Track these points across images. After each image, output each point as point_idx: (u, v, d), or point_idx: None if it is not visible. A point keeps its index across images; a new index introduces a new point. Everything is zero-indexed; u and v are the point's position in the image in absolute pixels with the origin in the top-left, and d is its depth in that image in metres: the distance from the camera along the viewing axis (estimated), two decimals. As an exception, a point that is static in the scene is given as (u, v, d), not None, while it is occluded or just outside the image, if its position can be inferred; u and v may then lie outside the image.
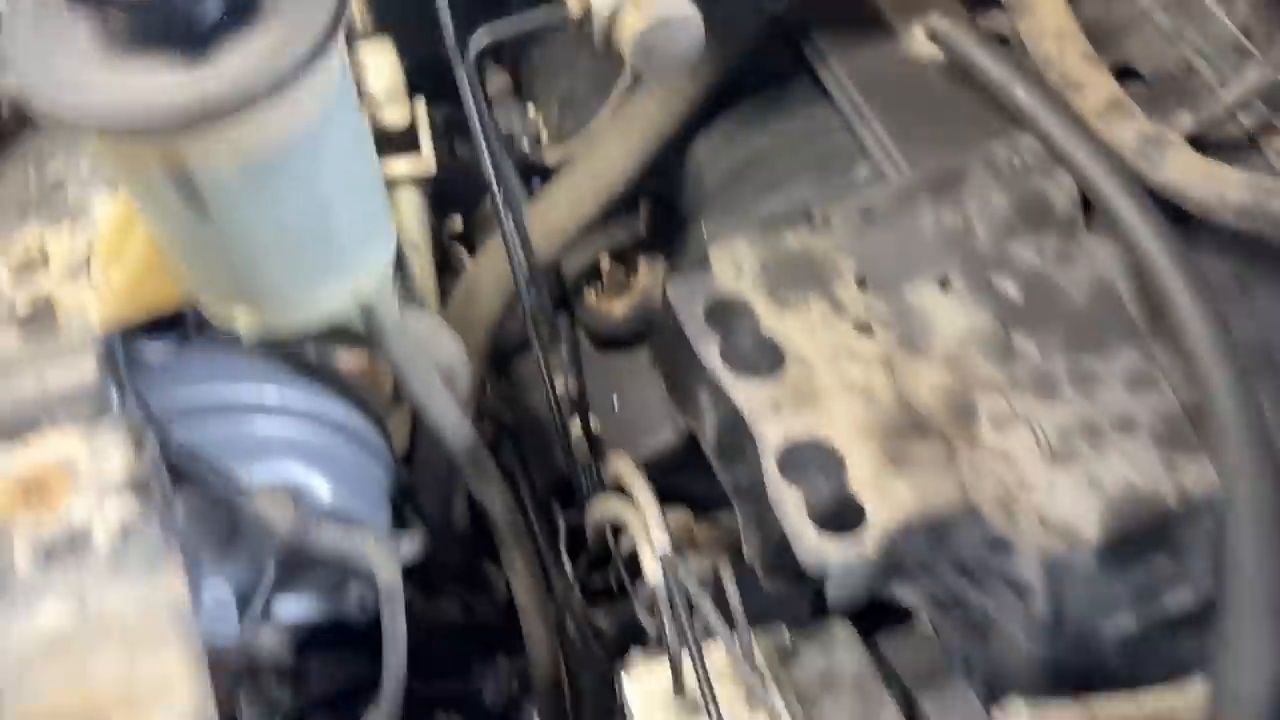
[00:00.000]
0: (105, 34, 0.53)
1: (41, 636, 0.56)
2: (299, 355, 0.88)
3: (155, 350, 0.80)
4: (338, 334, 0.82)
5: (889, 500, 0.75)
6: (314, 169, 0.59)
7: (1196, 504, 0.82)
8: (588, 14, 0.79)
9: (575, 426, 1.06)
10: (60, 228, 0.73)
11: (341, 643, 1.03)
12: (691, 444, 1.02)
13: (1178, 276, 0.81)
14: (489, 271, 1.06)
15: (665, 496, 0.97)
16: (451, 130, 1.28)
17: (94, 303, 0.69)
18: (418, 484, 1.04)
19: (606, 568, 1.10)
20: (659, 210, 1.18)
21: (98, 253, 0.70)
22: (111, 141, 0.55)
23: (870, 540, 0.73)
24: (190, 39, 0.53)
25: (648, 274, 1.12)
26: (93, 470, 0.62)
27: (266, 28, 0.54)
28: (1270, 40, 0.89)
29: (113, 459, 0.62)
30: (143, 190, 0.59)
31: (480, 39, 0.83)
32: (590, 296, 1.13)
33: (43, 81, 0.52)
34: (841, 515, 0.75)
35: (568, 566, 1.04)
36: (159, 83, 0.52)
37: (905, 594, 0.86)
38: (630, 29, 0.77)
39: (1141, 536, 0.81)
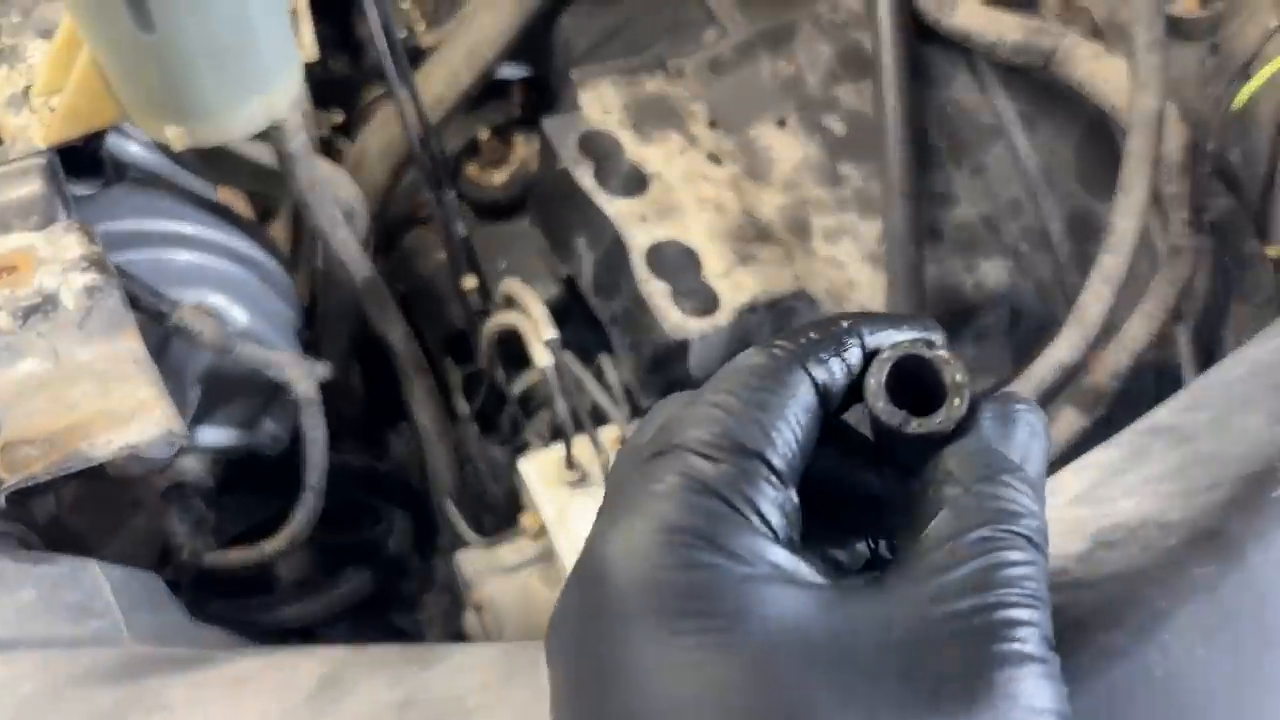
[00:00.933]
0: None
1: (24, 379, 0.65)
2: (209, 198, 0.97)
3: (80, 189, 0.88)
4: (248, 171, 0.92)
5: (739, 288, 0.89)
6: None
7: (991, 296, 0.99)
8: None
9: (467, 281, 1.16)
10: (-3, 68, 0.81)
11: (254, 489, 1.13)
12: (571, 295, 1.14)
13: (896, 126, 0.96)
14: (376, 141, 1.16)
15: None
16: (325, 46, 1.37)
17: (36, 126, 0.78)
18: (320, 336, 1.14)
19: (500, 418, 1.21)
20: (531, 91, 1.30)
21: (38, 85, 0.78)
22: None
23: (723, 316, 0.87)
24: None
25: (524, 146, 1.24)
26: (53, 253, 0.71)
27: None
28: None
29: (70, 245, 0.72)
30: (92, 7, 0.68)
31: None
32: (471, 169, 1.24)
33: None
34: (700, 304, 0.89)
35: (463, 405, 1.15)
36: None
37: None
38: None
39: (947, 324, 0.97)
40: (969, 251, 0.99)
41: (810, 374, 0.36)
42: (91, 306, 0.68)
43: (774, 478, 0.34)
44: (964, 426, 0.36)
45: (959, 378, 0.35)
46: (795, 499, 0.35)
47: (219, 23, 0.70)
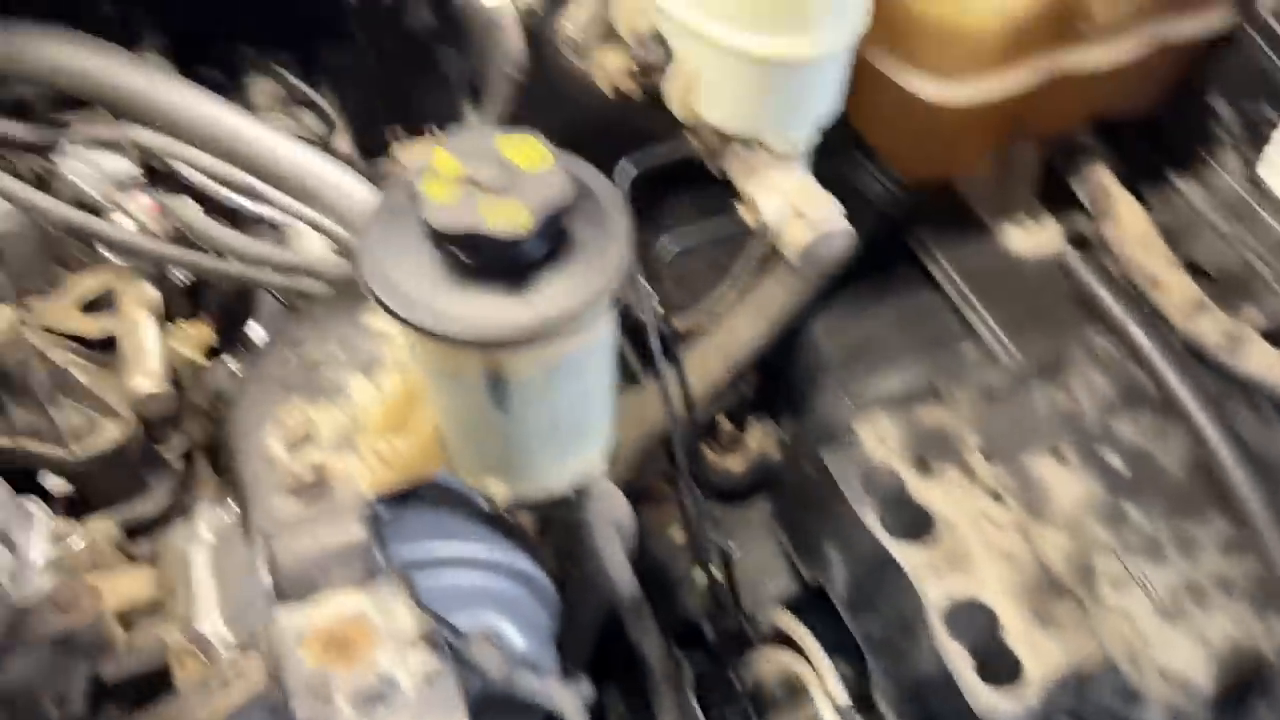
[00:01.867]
0: (451, 266, 0.65)
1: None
2: (492, 512, 0.98)
3: (379, 512, 0.90)
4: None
5: (1042, 656, 0.85)
6: (588, 372, 0.71)
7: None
8: (760, 222, 0.91)
9: (699, 574, 1.15)
10: (320, 405, 0.83)
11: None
12: (811, 592, 1.12)
13: (1237, 465, 0.94)
14: (634, 429, 1.17)
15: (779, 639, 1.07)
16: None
17: (362, 471, 0.80)
18: (567, 633, 1.12)
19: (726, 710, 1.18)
20: (764, 377, 1.30)
21: (370, 430, 0.81)
22: (449, 349, 0.66)
23: (1033, 693, 0.83)
24: (517, 273, 0.64)
25: (759, 434, 1.24)
26: (386, 625, 0.71)
27: (574, 264, 0.66)
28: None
29: (400, 614, 0.72)
30: (455, 386, 0.70)
31: (627, 170, 0.89)
32: (709, 454, 1.24)
33: (404, 301, 0.64)
34: (997, 667, 0.86)
35: (696, 710, 1.12)
36: (493, 305, 0.64)
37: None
38: (798, 239, 0.90)
39: (1246, 687, 0.92)
40: (1264, 607, 0.94)
41: None
42: (429, 693, 0.67)
43: None
44: None
45: None
46: None
47: (565, 408, 0.71)
